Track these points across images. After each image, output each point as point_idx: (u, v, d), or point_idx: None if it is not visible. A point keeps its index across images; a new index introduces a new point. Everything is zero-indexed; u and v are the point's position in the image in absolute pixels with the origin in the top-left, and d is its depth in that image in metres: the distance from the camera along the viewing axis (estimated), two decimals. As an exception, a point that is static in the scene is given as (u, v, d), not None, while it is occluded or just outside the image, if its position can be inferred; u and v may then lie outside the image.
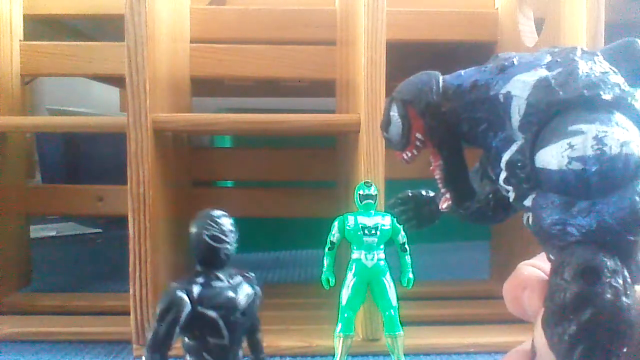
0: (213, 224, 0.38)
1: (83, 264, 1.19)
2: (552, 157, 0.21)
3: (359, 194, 0.57)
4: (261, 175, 0.97)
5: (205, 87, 1.05)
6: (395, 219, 0.34)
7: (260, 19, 0.88)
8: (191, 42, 0.86)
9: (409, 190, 0.33)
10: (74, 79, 1.63)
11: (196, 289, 0.37)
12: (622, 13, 0.90)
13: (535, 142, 0.22)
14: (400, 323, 0.57)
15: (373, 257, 0.57)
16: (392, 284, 0.57)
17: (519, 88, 0.23)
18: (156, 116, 0.65)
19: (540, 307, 0.23)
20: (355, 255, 0.57)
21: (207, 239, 0.37)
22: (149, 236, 0.63)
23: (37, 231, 1.33)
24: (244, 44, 0.88)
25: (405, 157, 0.28)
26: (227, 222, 0.38)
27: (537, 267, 0.25)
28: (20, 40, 0.86)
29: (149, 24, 0.63)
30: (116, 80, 1.21)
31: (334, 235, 0.58)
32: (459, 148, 0.27)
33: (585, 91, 0.22)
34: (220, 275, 0.38)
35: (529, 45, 0.77)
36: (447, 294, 0.87)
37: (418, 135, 0.27)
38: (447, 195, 0.28)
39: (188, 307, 0.36)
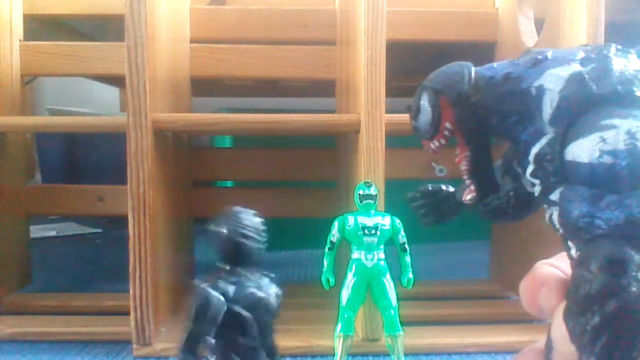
0: (246, 222, 0.37)
1: (83, 264, 1.19)
2: (583, 150, 0.21)
3: (359, 194, 0.57)
4: (261, 175, 0.97)
5: (205, 87, 1.05)
6: (413, 213, 0.34)
7: (260, 19, 0.88)
8: (191, 42, 0.86)
9: (430, 185, 0.33)
10: (74, 79, 1.63)
11: (231, 289, 0.36)
12: (622, 13, 0.90)
13: (566, 135, 0.22)
14: (400, 323, 0.57)
15: (373, 257, 0.57)
16: (392, 284, 0.57)
17: (552, 82, 0.23)
18: (156, 116, 0.65)
19: (557, 305, 0.23)
20: (355, 255, 0.57)
21: (241, 238, 0.37)
22: (149, 236, 0.63)
23: (37, 231, 1.33)
24: (244, 44, 0.88)
25: (433, 146, 0.28)
26: (259, 222, 0.38)
27: (555, 266, 0.25)
28: (20, 40, 0.86)
29: (149, 24, 0.63)
30: (116, 80, 1.21)
31: (334, 235, 0.58)
32: (486, 140, 0.27)
33: (619, 87, 0.22)
34: (250, 276, 0.38)
35: (529, 45, 0.77)
36: (447, 294, 0.87)
37: (447, 124, 0.27)
38: (472, 187, 0.28)
39: (224, 307, 0.35)
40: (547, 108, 0.23)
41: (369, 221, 0.57)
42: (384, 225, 0.57)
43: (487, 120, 0.26)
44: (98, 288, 0.95)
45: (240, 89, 1.22)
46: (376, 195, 0.57)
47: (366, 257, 0.57)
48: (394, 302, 0.57)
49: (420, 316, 0.74)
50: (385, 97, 0.65)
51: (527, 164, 0.24)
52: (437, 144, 0.28)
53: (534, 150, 0.24)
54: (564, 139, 0.22)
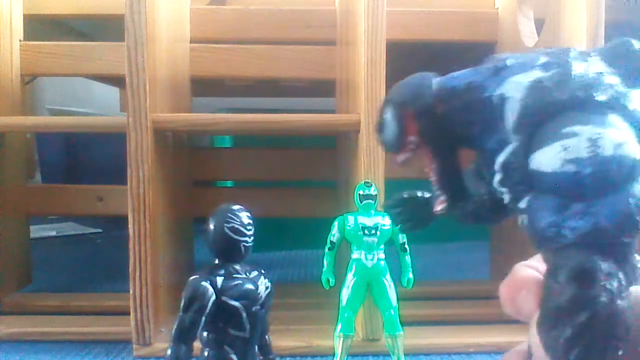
0: (233, 217, 0.38)
1: (83, 264, 1.19)
2: (546, 159, 0.21)
3: (359, 194, 0.57)
4: (261, 175, 0.98)
5: (205, 87, 1.05)
6: (391, 220, 0.34)
7: (260, 19, 0.88)
8: (191, 42, 0.86)
9: (405, 192, 0.33)
10: (74, 79, 1.63)
11: (219, 280, 0.37)
12: (622, 13, 0.91)
13: (530, 144, 0.22)
14: (400, 323, 0.57)
15: (373, 257, 0.57)
16: (392, 284, 0.57)
17: (513, 89, 0.23)
18: (156, 116, 0.65)
19: (535, 309, 0.23)
20: (355, 255, 0.57)
21: (227, 231, 0.38)
22: (149, 236, 0.63)
23: (37, 231, 1.33)
24: (244, 44, 0.88)
25: (400, 159, 0.28)
26: (245, 215, 0.39)
27: (534, 268, 0.25)
28: (20, 40, 0.86)
29: (149, 24, 0.63)
30: (116, 80, 1.21)
31: (334, 235, 0.58)
32: (453, 150, 0.27)
33: (579, 92, 0.22)
34: (239, 269, 0.39)
35: (529, 45, 0.77)
36: (447, 294, 0.87)
37: (412, 137, 0.26)
38: (442, 198, 0.28)
39: (213, 297, 0.36)
40: (510, 116, 0.23)
41: (369, 221, 0.57)
42: (384, 225, 0.57)
43: (452, 131, 0.26)
44: (98, 288, 0.95)
45: (240, 89, 1.22)
46: (376, 195, 0.57)
47: (366, 257, 0.57)
48: (394, 302, 0.57)
49: (420, 316, 0.74)
50: (385, 97, 0.64)
51: (494, 172, 0.24)
52: (403, 157, 0.28)
53: (500, 159, 0.23)
54: (528, 148, 0.22)
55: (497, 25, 0.86)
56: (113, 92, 1.63)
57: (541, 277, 0.24)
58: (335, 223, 0.59)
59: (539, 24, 0.75)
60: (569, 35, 0.64)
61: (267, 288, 0.40)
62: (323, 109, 0.90)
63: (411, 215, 0.33)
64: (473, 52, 0.89)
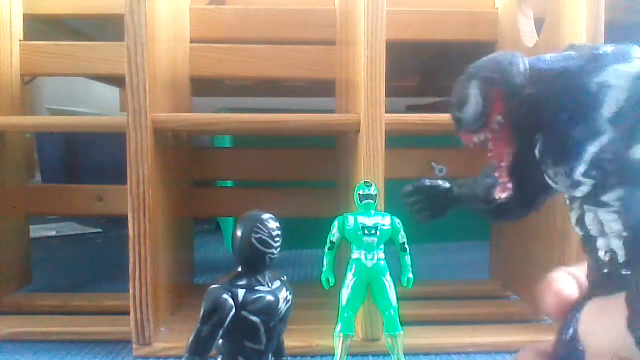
0: (262, 227, 0.37)
1: (83, 264, 1.19)
2: None
3: (359, 194, 0.57)
4: (261, 175, 0.97)
5: (205, 87, 1.05)
6: (407, 209, 0.33)
7: (260, 19, 0.88)
8: (191, 42, 0.86)
9: (427, 180, 0.32)
10: (74, 79, 1.63)
11: (241, 293, 0.36)
12: (622, 13, 0.91)
13: (633, 135, 0.22)
14: (400, 323, 0.57)
15: (373, 257, 0.57)
16: (392, 284, 0.57)
17: (618, 78, 0.22)
18: (156, 116, 0.65)
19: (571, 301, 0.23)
20: (355, 255, 0.57)
21: (255, 242, 0.37)
22: (149, 236, 0.63)
23: (37, 231, 1.33)
24: (244, 44, 0.88)
25: (477, 140, 0.26)
26: (275, 226, 0.38)
27: (572, 274, 0.26)
28: (20, 40, 0.86)
29: (149, 24, 0.63)
30: (116, 80, 1.21)
31: (334, 235, 0.58)
32: (532, 136, 0.25)
33: None
34: (261, 279, 0.38)
35: (529, 45, 0.77)
36: (447, 294, 0.87)
37: (499, 117, 0.25)
38: (508, 185, 0.26)
39: (233, 311, 0.36)
40: (611, 105, 0.22)
41: (369, 221, 0.57)
42: (384, 225, 0.57)
43: (538, 115, 0.24)
44: (98, 288, 0.95)
45: (240, 89, 1.22)
46: (376, 195, 0.57)
47: (366, 257, 0.57)
48: (394, 302, 0.57)
49: (420, 316, 0.74)
50: (385, 97, 0.65)
51: (577, 163, 0.23)
52: (482, 137, 0.26)
53: (591, 149, 0.22)
54: (630, 139, 0.22)
55: (497, 25, 0.86)
56: (113, 92, 1.63)
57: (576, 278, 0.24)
58: (335, 223, 0.59)
59: (539, 24, 0.75)
60: (569, 36, 0.64)
61: (287, 302, 0.39)
62: (323, 109, 0.90)
63: (429, 204, 0.32)
64: (473, 52, 0.89)
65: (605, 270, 0.23)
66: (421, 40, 0.87)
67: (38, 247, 1.06)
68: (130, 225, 0.63)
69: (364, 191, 0.57)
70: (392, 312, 0.57)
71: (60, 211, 1.04)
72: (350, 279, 0.57)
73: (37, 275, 0.93)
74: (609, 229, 0.23)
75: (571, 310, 0.25)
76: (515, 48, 0.79)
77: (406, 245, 0.58)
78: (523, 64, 0.25)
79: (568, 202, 0.25)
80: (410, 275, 0.59)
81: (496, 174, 0.26)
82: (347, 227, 0.57)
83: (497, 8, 0.87)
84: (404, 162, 0.89)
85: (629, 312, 0.21)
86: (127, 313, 0.64)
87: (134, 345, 0.64)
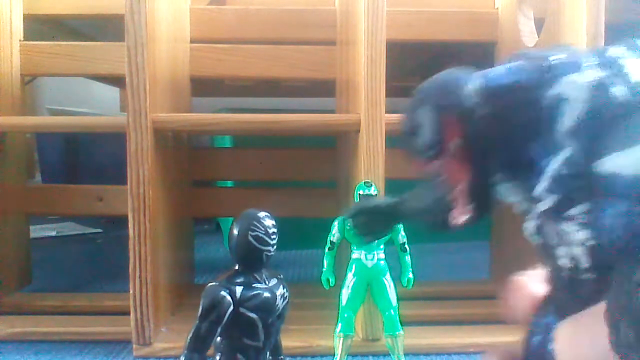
0: (258, 225, 0.38)
1: (83, 264, 1.19)
2: (626, 162, 0.20)
3: (359, 194, 0.57)
4: (261, 175, 0.97)
5: (205, 87, 1.05)
6: (354, 230, 0.32)
7: (260, 19, 0.88)
8: (191, 42, 0.86)
9: (373, 201, 0.32)
10: (74, 79, 1.63)
11: (238, 290, 0.37)
12: (622, 13, 0.91)
13: (594, 148, 0.21)
14: (400, 323, 0.57)
15: (373, 257, 0.57)
16: (392, 284, 0.57)
17: (574, 89, 0.21)
18: (156, 116, 0.65)
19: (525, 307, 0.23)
20: (355, 255, 0.58)
21: (251, 240, 0.37)
22: (149, 236, 0.63)
23: (37, 231, 1.33)
24: (244, 44, 0.88)
25: (431, 168, 0.25)
26: (270, 224, 0.39)
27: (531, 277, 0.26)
28: (20, 40, 0.86)
29: (149, 24, 0.63)
30: (116, 80, 1.21)
31: (334, 235, 0.58)
32: (491, 158, 0.24)
33: None
34: (258, 277, 0.38)
35: (529, 45, 0.77)
36: (447, 294, 0.87)
37: (456, 141, 0.24)
38: (468, 208, 0.25)
39: (231, 307, 0.36)
40: (568, 119, 0.21)
41: (369, 221, 0.57)
42: (384, 225, 0.57)
43: (492, 135, 0.23)
44: (98, 288, 0.95)
45: (240, 89, 1.22)
46: (376, 195, 0.57)
47: (366, 257, 0.57)
48: (394, 302, 0.57)
49: (420, 316, 0.74)
50: (385, 97, 0.65)
51: (538, 180, 0.22)
52: (435, 165, 0.25)
53: (552, 165, 0.22)
54: (591, 152, 0.21)
55: (497, 25, 0.86)
56: (113, 92, 1.63)
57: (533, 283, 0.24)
58: (335, 223, 0.59)
59: (539, 24, 0.75)
60: (569, 36, 0.64)
61: (284, 299, 0.40)
62: (323, 109, 0.90)
63: (375, 224, 0.31)
64: (473, 52, 0.89)
65: (564, 274, 0.23)
66: (421, 40, 0.87)
67: (38, 247, 1.06)
68: (130, 225, 0.63)
69: (364, 191, 0.57)
70: (392, 312, 0.57)
71: (60, 211, 1.04)
72: (350, 279, 0.57)
73: (37, 275, 0.93)
74: (570, 238, 0.22)
75: (536, 315, 0.24)
76: (515, 48, 0.79)
77: (406, 245, 0.58)
78: (472, 84, 0.24)
79: (522, 211, 0.24)
80: (410, 275, 0.59)
81: (451, 198, 0.25)
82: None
83: (497, 8, 0.87)
84: (404, 162, 0.88)
85: (610, 331, 0.20)
86: (127, 313, 0.64)
87: (134, 345, 0.64)
